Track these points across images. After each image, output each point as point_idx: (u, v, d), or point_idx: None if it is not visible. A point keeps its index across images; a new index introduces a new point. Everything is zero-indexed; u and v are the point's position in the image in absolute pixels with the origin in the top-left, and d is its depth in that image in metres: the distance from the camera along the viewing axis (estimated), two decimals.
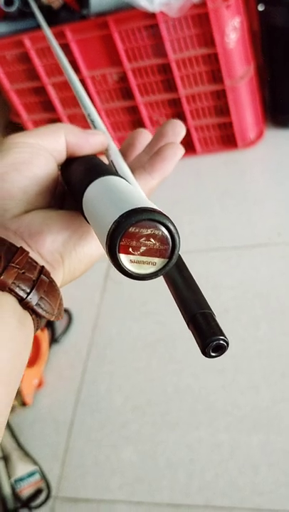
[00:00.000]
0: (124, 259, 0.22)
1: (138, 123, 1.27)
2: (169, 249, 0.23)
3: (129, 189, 0.26)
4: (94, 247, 0.30)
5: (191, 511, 0.79)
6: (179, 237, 0.23)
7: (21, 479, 0.87)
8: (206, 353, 0.23)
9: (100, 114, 1.26)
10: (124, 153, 0.36)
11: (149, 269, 0.23)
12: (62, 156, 0.32)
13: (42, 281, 0.26)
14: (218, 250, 1.08)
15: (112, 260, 0.22)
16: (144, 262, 0.23)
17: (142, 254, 0.22)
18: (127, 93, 1.23)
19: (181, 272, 0.26)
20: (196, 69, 1.15)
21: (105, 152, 0.34)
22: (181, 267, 0.27)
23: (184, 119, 1.25)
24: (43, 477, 0.88)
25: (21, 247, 0.26)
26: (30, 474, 0.88)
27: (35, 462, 0.90)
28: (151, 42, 1.12)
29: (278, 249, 1.03)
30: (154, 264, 0.23)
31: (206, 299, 0.25)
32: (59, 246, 0.29)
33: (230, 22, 1.06)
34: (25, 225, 0.28)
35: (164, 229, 0.22)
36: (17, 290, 0.25)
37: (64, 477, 0.89)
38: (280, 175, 1.20)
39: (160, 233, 0.22)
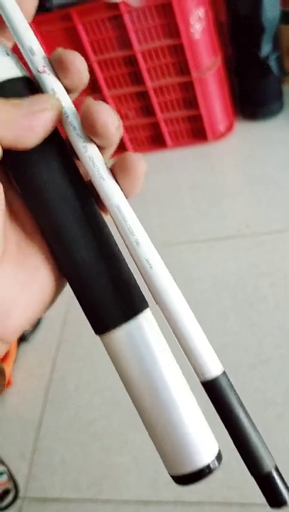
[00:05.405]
0: None
1: None
2: None
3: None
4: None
5: (160, 508, 0.77)
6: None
7: None
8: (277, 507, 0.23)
9: None
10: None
11: None
12: None
13: None
14: (187, 243, 1.07)
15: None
16: None
17: None
18: (93, 86, 1.21)
19: (244, 411, 0.23)
20: (163, 60, 1.13)
21: (62, 123, 0.22)
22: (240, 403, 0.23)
23: (152, 112, 1.23)
24: (11, 477, 0.86)
25: None
26: None
27: (2, 462, 0.88)
28: (116, 33, 1.10)
29: (246, 240, 1.03)
30: None
31: None
32: (25, 325, 0.24)
33: (195, 12, 1.05)
34: None
35: None
36: None
37: (32, 477, 0.87)
38: (249, 167, 1.19)
39: None
